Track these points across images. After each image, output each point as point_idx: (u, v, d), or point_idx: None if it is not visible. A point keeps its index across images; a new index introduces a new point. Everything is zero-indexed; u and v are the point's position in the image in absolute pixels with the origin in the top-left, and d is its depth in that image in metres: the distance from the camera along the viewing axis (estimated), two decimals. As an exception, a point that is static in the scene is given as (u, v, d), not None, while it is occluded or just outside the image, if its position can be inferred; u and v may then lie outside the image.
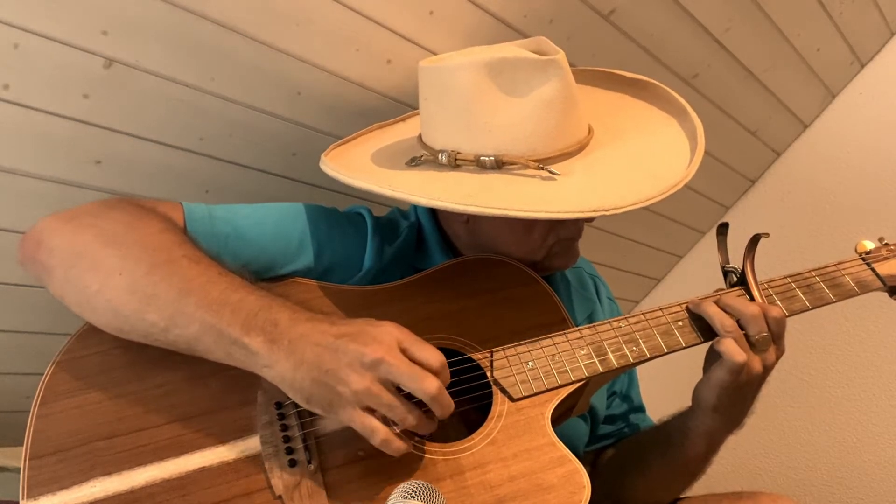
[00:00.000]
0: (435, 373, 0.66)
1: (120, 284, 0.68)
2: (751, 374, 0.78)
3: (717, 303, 0.81)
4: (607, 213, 0.73)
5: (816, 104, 1.69)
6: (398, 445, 0.66)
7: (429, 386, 0.65)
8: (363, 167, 0.88)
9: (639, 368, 0.94)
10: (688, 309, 0.83)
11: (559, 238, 0.88)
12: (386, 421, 0.66)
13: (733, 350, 0.76)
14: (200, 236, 0.77)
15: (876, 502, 1.57)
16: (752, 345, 0.78)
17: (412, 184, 0.80)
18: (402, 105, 1.08)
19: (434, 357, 0.67)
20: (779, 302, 0.85)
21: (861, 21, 1.53)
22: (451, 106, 0.81)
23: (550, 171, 0.79)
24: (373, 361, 0.64)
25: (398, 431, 0.66)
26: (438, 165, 0.83)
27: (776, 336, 0.79)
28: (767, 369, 0.80)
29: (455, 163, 0.81)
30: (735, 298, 0.81)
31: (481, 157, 0.80)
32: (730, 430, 0.85)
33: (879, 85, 1.65)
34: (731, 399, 0.80)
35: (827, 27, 1.47)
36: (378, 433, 0.64)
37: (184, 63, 0.90)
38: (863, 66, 1.66)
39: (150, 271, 0.68)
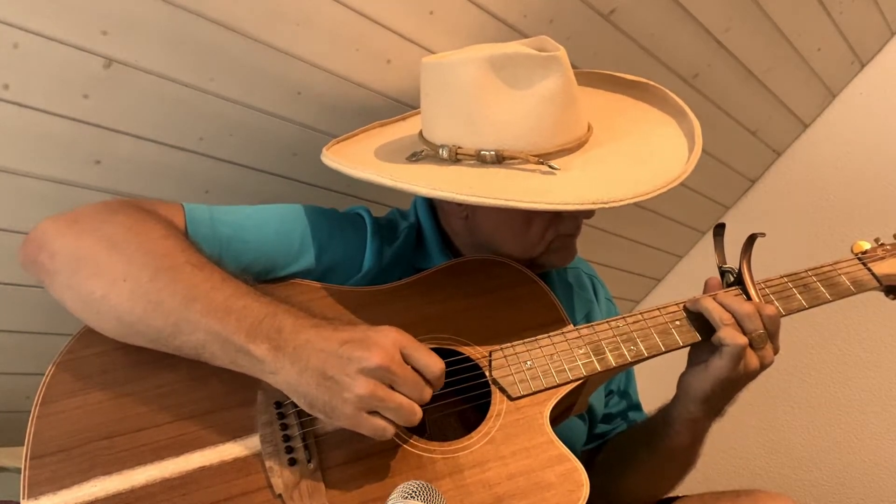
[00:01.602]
0: (434, 378, 0.68)
1: (124, 291, 0.68)
2: (747, 368, 0.79)
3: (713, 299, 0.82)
4: (605, 205, 0.74)
5: (816, 104, 1.69)
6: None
7: (426, 396, 0.67)
8: (364, 160, 0.88)
9: (637, 368, 0.94)
10: (685, 308, 0.84)
11: (558, 234, 0.89)
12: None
13: (733, 334, 0.77)
14: (201, 238, 0.77)
15: (876, 502, 1.57)
16: (752, 342, 0.79)
17: (413, 175, 0.81)
18: (403, 105, 1.08)
19: (434, 363, 0.68)
20: (776, 301, 0.86)
21: (861, 21, 1.53)
22: (453, 101, 0.82)
23: (550, 166, 0.79)
24: (376, 367, 0.65)
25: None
26: (439, 160, 0.83)
27: (771, 334, 0.80)
28: (763, 367, 0.80)
29: (456, 157, 0.82)
30: (731, 297, 0.81)
31: (482, 152, 0.80)
32: (712, 418, 0.85)
33: (880, 85, 1.65)
34: (723, 390, 0.81)
35: (827, 27, 1.47)
36: (388, 431, 0.66)
37: (184, 63, 0.90)
38: (863, 65, 1.66)
39: (154, 277, 0.68)
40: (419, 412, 0.66)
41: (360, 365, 0.65)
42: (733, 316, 0.79)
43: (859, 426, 1.61)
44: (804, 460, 1.67)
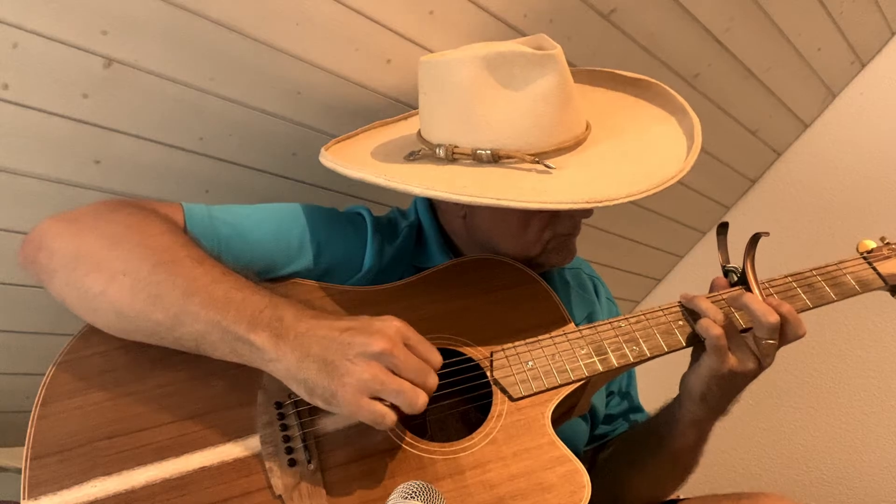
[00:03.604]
0: (434, 370, 0.67)
1: (124, 285, 0.68)
2: (743, 366, 0.79)
3: (734, 302, 0.82)
4: (599, 204, 0.73)
5: (817, 104, 1.69)
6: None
7: (432, 382, 0.66)
8: (361, 160, 0.88)
9: (637, 368, 0.94)
10: (682, 305, 0.83)
11: (555, 234, 0.88)
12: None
13: (708, 324, 0.77)
14: (200, 237, 0.77)
15: (876, 502, 1.57)
16: (758, 346, 0.79)
17: (408, 175, 0.81)
18: (402, 105, 1.08)
19: (435, 357, 0.68)
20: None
21: (862, 21, 1.53)
22: (450, 100, 0.82)
23: (546, 165, 0.79)
24: (379, 352, 0.64)
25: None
26: (436, 159, 0.83)
27: (786, 338, 0.80)
28: (762, 367, 0.80)
29: (452, 156, 0.82)
30: (755, 300, 0.81)
31: (478, 151, 0.80)
32: (716, 417, 0.85)
33: (880, 85, 1.65)
34: (719, 387, 0.80)
35: (828, 27, 1.47)
36: (388, 417, 0.64)
37: (184, 63, 0.90)
38: (863, 65, 1.66)
39: (153, 271, 0.68)
40: (423, 397, 0.65)
41: (361, 349, 0.64)
42: (750, 312, 0.79)
43: (860, 426, 1.61)
44: (804, 460, 1.67)
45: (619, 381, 1.04)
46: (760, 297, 0.81)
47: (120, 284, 0.68)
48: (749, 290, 0.84)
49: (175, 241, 0.72)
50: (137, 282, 0.68)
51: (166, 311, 0.67)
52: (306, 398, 0.67)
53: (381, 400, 0.64)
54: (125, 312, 0.69)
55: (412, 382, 0.65)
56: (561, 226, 0.88)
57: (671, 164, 0.81)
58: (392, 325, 0.67)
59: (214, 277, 0.69)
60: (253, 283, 0.71)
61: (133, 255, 0.69)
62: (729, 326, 0.78)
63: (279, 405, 0.72)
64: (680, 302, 0.84)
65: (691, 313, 0.83)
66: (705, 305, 0.80)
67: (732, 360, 0.78)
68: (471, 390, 0.78)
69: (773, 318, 0.77)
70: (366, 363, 0.64)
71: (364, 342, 0.65)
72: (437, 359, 0.68)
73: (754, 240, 0.86)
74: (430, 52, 1.04)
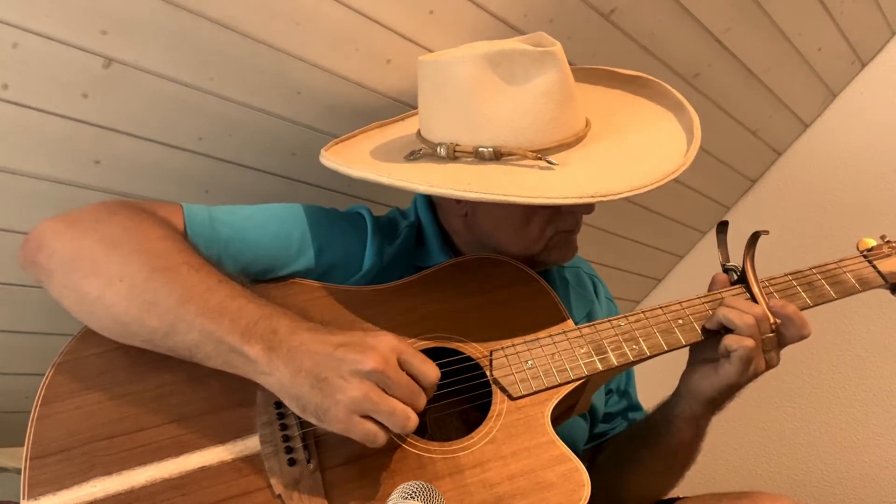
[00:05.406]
0: (430, 386, 0.67)
1: (120, 291, 0.68)
2: (756, 371, 0.79)
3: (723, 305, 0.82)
4: (604, 198, 0.73)
5: (817, 104, 1.68)
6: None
7: (420, 403, 0.66)
8: (362, 160, 0.88)
9: (637, 367, 0.94)
10: (703, 328, 0.83)
11: (557, 230, 0.89)
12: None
13: (739, 338, 0.77)
14: (200, 239, 0.77)
15: (876, 502, 1.57)
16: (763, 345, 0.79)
17: (410, 173, 0.81)
18: (402, 105, 1.08)
19: (430, 370, 0.68)
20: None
21: (862, 20, 1.53)
22: (450, 98, 0.82)
23: (548, 161, 0.79)
24: (370, 371, 0.64)
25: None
26: (437, 158, 0.83)
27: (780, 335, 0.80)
28: (769, 367, 0.81)
29: (454, 155, 0.82)
30: (742, 301, 0.81)
31: (480, 149, 0.80)
32: (713, 414, 0.86)
33: (880, 84, 1.65)
34: (730, 390, 0.81)
35: (828, 27, 1.47)
36: (379, 437, 0.65)
37: (183, 63, 0.90)
38: (864, 65, 1.66)
39: (150, 278, 0.68)
40: (414, 419, 0.65)
41: (354, 367, 0.64)
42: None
43: (860, 426, 1.61)
44: (804, 460, 1.67)
45: (617, 380, 1.05)
46: (759, 293, 0.81)
47: (116, 290, 0.68)
48: (749, 288, 0.84)
49: (173, 247, 0.72)
50: (133, 288, 0.68)
51: (161, 318, 0.68)
52: (298, 413, 0.67)
53: (371, 419, 0.65)
54: (121, 318, 0.69)
55: (403, 402, 0.65)
56: (563, 222, 0.89)
57: (672, 159, 0.81)
58: (386, 342, 0.66)
59: (210, 286, 0.69)
60: (249, 293, 0.71)
61: (130, 260, 0.69)
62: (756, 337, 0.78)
63: (278, 405, 0.72)
64: (703, 325, 0.82)
65: (692, 313, 0.83)
66: (739, 318, 0.78)
67: (752, 368, 0.79)
68: (470, 389, 0.78)
69: (759, 309, 0.78)
70: (358, 381, 0.64)
71: (357, 359, 0.64)
72: (434, 372, 0.68)
73: (754, 238, 0.87)
74: (430, 52, 1.04)
